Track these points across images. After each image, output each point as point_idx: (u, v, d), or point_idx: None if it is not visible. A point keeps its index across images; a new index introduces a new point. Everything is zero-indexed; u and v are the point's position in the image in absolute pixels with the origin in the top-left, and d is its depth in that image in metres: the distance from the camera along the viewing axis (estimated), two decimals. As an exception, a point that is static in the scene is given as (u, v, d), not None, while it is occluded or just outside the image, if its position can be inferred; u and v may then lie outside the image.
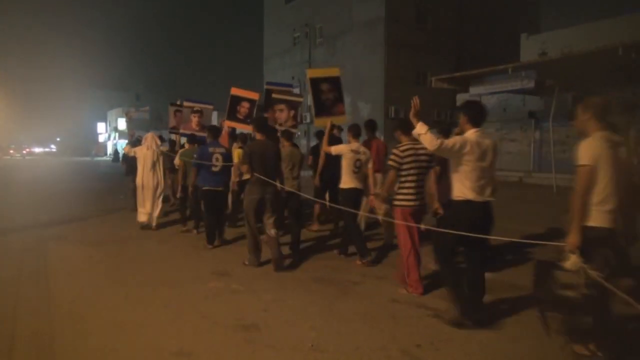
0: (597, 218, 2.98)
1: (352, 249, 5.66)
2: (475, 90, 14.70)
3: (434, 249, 3.82)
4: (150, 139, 7.61)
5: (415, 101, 3.77)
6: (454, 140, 3.59)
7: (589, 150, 2.99)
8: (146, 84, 69.50)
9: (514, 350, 3.20)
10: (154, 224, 7.53)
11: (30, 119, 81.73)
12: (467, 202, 3.59)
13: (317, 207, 7.52)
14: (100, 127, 67.98)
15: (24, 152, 53.62)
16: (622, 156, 3.14)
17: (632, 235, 3.63)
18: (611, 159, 2.99)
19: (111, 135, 62.12)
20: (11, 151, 51.46)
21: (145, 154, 7.47)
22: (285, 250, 5.74)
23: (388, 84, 23.82)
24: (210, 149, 6.35)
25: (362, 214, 5.28)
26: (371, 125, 6.23)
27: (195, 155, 6.53)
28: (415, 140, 4.01)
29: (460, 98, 19.13)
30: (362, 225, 5.97)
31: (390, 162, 4.49)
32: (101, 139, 67.16)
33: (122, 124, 55.72)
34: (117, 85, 76.04)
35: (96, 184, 17.12)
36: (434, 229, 3.97)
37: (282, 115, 7.01)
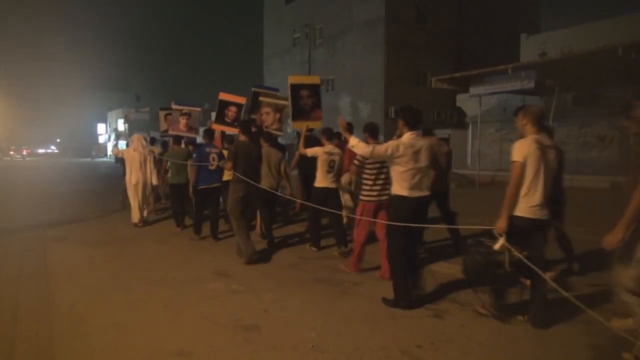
0: (522, 209, 3.49)
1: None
2: (475, 91, 14.70)
3: (387, 240, 4.25)
4: (136, 140, 7.93)
5: (341, 120, 4.76)
6: (386, 146, 4.00)
7: (521, 149, 3.49)
8: (146, 84, 69.65)
9: (514, 351, 3.20)
10: (143, 219, 7.93)
11: (30, 120, 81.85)
12: (403, 198, 4.03)
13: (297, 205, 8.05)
14: (101, 128, 68.04)
15: (24, 153, 53.56)
16: (551, 158, 3.59)
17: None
18: (539, 158, 3.47)
19: (111, 136, 62.16)
20: (11, 152, 51.46)
21: (132, 155, 7.80)
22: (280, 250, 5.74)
23: (388, 84, 23.82)
24: (207, 150, 6.82)
25: (330, 210, 5.59)
26: (327, 134, 6.37)
27: (194, 156, 7.04)
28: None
29: (461, 98, 19.15)
30: (344, 220, 6.27)
31: (354, 161, 4.98)
32: (101, 140, 67.20)
33: (121, 125, 55.78)
34: (117, 86, 76.13)
35: (96, 184, 17.12)
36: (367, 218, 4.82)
37: (268, 118, 7.40)
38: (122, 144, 35.03)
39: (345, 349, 3.20)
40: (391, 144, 3.99)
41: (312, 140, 6.71)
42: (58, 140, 79.33)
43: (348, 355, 3.10)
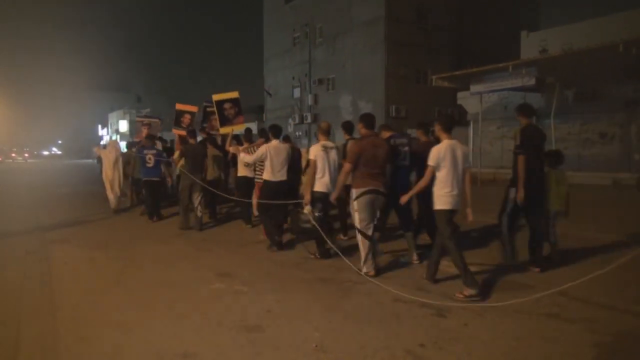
0: (442, 201, 4.39)
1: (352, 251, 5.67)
2: (475, 88, 14.69)
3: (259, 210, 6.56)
4: (110, 145, 10.56)
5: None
6: (260, 152, 6.25)
7: (437, 153, 4.37)
8: (147, 85, 69.73)
9: (517, 349, 3.20)
10: (112, 206, 9.64)
11: (31, 122, 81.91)
12: (268, 182, 6.24)
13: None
14: (106, 129, 68.09)
15: (26, 155, 53.58)
16: (462, 156, 4.42)
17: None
18: (452, 158, 4.35)
19: (112, 137, 62.19)
20: (13, 154, 51.49)
21: (107, 156, 9.77)
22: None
23: (388, 83, 23.80)
24: (145, 151, 8.61)
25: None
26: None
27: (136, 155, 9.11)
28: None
29: (461, 96, 19.12)
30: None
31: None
32: (103, 141, 67.26)
33: (123, 126, 55.85)
34: (118, 87, 76.21)
35: (98, 186, 17.08)
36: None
37: (217, 124, 8.73)
38: (122, 144, 34.96)
39: (348, 348, 3.20)
40: (262, 150, 6.24)
41: (237, 138, 8.85)
42: (59, 142, 79.44)
43: (351, 355, 3.11)
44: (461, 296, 4.16)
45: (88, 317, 3.83)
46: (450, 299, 4.16)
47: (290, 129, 28.31)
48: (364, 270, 4.87)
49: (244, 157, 6.93)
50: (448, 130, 4.50)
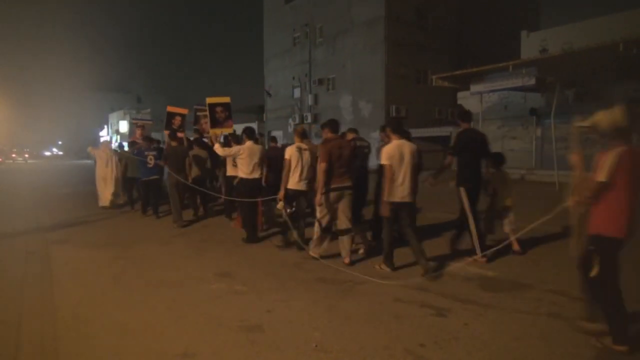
0: (394, 194, 4.92)
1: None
2: (475, 88, 14.69)
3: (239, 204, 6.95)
4: (103, 145, 11.26)
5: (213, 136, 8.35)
6: (234, 150, 6.83)
7: (387, 152, 4.91)
8: (147, 86, 69.76)
9: (517, 349, 3.20)
10: (107, 204, 10.12)
11: (31, 122, 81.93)
12: (244, 179, 6.73)
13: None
14: (104, 129, 68.05)
15: (26, 155, 53.56)
16: (409, 153, 4.96)
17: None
18: (399, 155, 4.91)
19: (113, 137, 62.21)
20: (13, 155, 51.48)
21: (100, 156, 10.40)
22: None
23: (389, 83, 23.78)
24: (145, 152, 9.01)
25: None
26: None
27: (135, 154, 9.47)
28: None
29: (461, 96, 19.13)
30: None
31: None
32: (105, 140, 67.16)
33: (123, 126, 55.86)
34: (119, 87, 76.22)
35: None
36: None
37: (206, 127, 9.48)
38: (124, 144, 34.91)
39: (348, 348, 3.20)
40: (235, 148, 6.82)
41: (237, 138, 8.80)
42: (60, 143, 79.45)
43: (351, 355, 3.11)
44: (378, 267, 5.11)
45: (88, 317, 3.84)
46: (450, 298, 4.16)
47: (290, 129, 28.30)
48: (311, 253, 5.58)
49: (217, 148, 7.27)
50: (397, 132, 5.12)
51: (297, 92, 29.92)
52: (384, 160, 4.92)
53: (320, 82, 27.66)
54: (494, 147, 19.23)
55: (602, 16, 17.88)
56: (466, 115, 5.80)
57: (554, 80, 13.19)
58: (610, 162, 3.05)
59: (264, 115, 34.12)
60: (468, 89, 15.48)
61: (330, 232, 5.57)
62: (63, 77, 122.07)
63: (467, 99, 18.38)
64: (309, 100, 28.31)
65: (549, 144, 14.87)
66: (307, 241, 5.95)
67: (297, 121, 28.96)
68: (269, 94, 33.13)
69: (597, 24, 17.47)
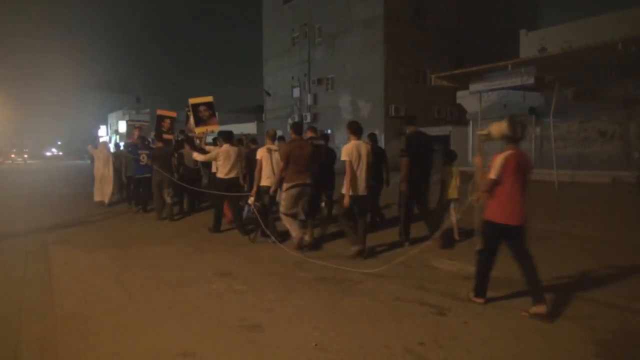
0: (355, 188, 5.61)
1: (346, 250, 5.68)
2: (474, 88, 14.68)
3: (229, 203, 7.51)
4: (102, 145, 11.74)
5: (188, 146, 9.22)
6: (212, 154, 7.55)
7: (347, 150, 5.57)
8: (146, 86, 69.77)
9: (517, 347, 3.20)
10: (106, 201, 10.75)
11: (30, 122, 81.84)
12: (221, 179, 7.33)
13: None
14: (101, 129, 67.99)
15: (25, 156, 53.48)
16: (365, 152, 5.65)
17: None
18: (357, 154, 5.56)
19: (112, 138, 62.17)
20: (12, 155, 51.40)
21: (99, 155, 10.99)
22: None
23: (388, 82, 23.77)
24: (138, 151, 9.64)
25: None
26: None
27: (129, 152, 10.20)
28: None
29: (461, 95, 19.11)
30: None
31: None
32: (103, 140, 67.04)
33: (122, 126, 55.81)
34: (118, 87, 76.20)
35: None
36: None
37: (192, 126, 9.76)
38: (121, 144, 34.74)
39: (348, 347, 3.20)
40: (214, 152, 7.52)
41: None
42: (59, 143, 79.36)
43: (351, 354, 3.11)
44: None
45: (88, 317, 3.84)
46: (449, 297, 4.17)
47: (289, 129, 28.29)
48: (296, 242, 6.07)
49: (196, 156, 7.92)
50: (355, 133, 5.76)
51: (296, 92, 29.91)
52: (343, 157, 5.58)
53: (320, 81, 27.65)
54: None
55: (601, 15, 17.88)
56: (412, 120, 6.47)
57: (553, 79, 13.19)
58: (498, 163, 3.73)
59: (264, 115, 34.11)
60: (467, 88, 15.47)
61: (296, 218, 6.22)
62: (62, 77, 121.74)
63: (466, 98, 18.37)
64: (308, 100, 28.29)
65: (548, 143, 14.89)
66: (282, 234, 6.58)
67: (296, 121, 28.97)
68: (268, 94, 33.11)
69: (596, 22, 17.47)
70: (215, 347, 3.25)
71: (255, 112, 35.27)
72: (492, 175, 3.74)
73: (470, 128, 18.95)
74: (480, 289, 4.01)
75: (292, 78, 30.18)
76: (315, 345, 3.24)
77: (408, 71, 24.54)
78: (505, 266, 5.18)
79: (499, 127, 3.82)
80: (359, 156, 5.59)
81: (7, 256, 6.11)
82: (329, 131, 23.38)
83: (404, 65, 24.20)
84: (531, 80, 12.84)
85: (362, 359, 3.05)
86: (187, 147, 9.49)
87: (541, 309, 3.64)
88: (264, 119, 33.63)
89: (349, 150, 5.57)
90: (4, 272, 5.27)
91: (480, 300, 4.00)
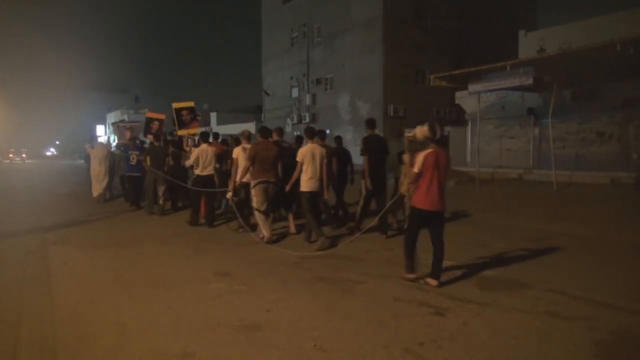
0: (304, 185, 6.38)
1: (347, 250, 5.68)
2: (473, 88, 14.68)
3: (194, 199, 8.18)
4: (99, 144, 12.72)
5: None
6: (193, 156, 8.04)
7: (301, 153, 6.38)
8: (145, 85, 69.73)
9: (516, 348, 3.21)
10: (103, 196, 11.44)
11: (29, 122, 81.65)
12: (199, 175, 8.01)
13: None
14: (100, 129, 67.86)
15: (23, 156, 53.37)
16: (319, 154, 6.38)
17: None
18: (311, 155, 6.32)
19: (110, 137, 62.08)
20: (10, 155, 51.29)
21: (95, 155, 11.53)
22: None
23: (387, 82, 23.78)
24: (129, 151, 10.18)
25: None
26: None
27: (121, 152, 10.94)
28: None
29: (459, 95, 19.13)
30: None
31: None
32: (100, 141, 66.96)
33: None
34: (116, 87, 76.08)
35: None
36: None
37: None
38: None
39: (347, 347, 3.21)
40: (196, 152, 8.01)
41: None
42: (57, 142, 79.22)
43: (351, 354, 3.12)
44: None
45: (87, 317, 3.84)
46: (448, 298, 4.17)
47: (288, 129, 28.28)
48: (261, 236, 6.65)
49: (186, 163, 8.57)
50: (310, 137, 6.66)
51: (295, 92, 29.92)
52: (298, 158, 6.37)
53: (319, 81, 27.66)
54: (491, 147, 19.15)
55: (600, 16, 17.93)
56: (371, 123, 7.13)
57: (552, 79, 13.20)
58: (420, 159, 4.44)
59: (262, 115, 34.10)
60: (466, 88, 15.48)
61: (268, 215, 6.73)
62: (61, 77, 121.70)
63: (465, 99, 18.39)
64: (307, 100, 28.30)
65: (546, 143, 14.91)
66: (253, 227, 7.07)
67: (295, 121, 28.97)
68: (267, 94, 33.11)
69: (595, 23, 17.52)
70: (214, 347, 3.25)
71: (255, 112, 35.27)
72: (415, 169, 4.46)
73: (469, 128, 18.97)
74: (408, 265, 4.66)
75: (291, 78, 30.18)
76: (315, 345, 3.24)
77: (407, 71, 24.54)
78: (505, 266, 5.21)
79: (422, 131, 4.49)
80: (313, 157, 6.33)
81: (7, 256, 6.10)
82: (328, 131, 23.39)
83: (403, 65, 24.20)
84: (530, 81, 12.85)
85: (362, 359, 3.06)
86: (171, 148, 9.88)
87: (433, 282, 4.46)
88: (263, 119, 33.62)
89: (303, 152, 6.36)
90: (4, 272, 5.27)
91: (412, 276, 4.61)
